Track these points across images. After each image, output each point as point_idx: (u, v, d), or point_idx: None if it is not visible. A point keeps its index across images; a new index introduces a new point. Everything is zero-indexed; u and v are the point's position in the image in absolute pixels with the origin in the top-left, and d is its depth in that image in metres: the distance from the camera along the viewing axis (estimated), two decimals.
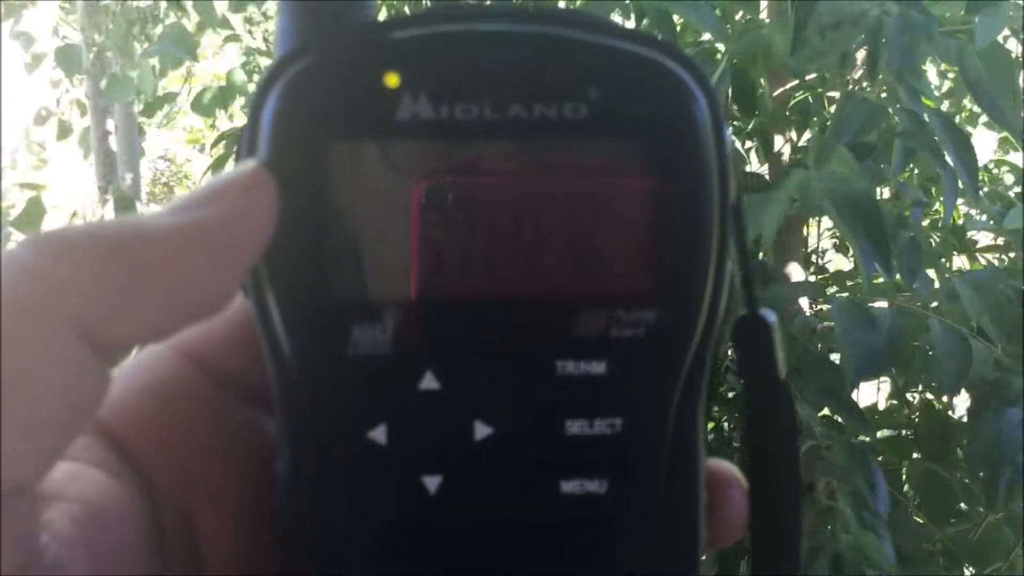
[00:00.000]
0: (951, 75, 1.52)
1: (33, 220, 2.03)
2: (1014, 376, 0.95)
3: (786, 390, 0.26)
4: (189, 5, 2.31)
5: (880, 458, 1.21)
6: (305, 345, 0.23)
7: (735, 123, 1.25)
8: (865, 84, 1.19)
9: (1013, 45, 1.18)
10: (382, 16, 0.27)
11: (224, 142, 1.84)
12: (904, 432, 1.32)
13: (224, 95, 2.45)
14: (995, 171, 1.64)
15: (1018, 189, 1.52)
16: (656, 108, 0.23)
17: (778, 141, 1.30)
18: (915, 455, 1.25)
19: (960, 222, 1.47)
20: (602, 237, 0.23)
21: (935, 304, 1.08)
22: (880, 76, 1.12)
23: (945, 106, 1.53)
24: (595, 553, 0.24)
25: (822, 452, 1.05)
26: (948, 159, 1.00)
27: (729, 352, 0.95)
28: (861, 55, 1.17)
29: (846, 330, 0.94)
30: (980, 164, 1.09)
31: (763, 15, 1.27)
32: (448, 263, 0.23)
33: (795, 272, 1.21)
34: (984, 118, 1.47)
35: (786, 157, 1.30)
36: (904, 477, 1.24)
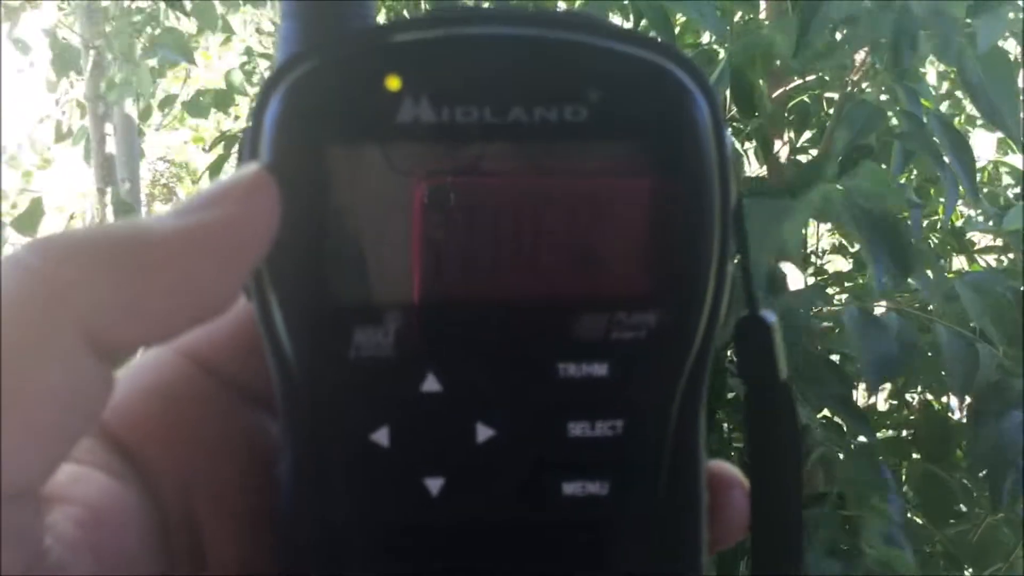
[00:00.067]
0: (950, 76, 1.52)
1: (32, 222, 2.03)
2: (1015, 378, 0.95)
3: (787, 391, 0.26)
4: (188, 7, 2.31)
5: (880, 459, 1.22)
6: (307, 347, 0.23)
7: (734, 124, 1.25)
8: (865, 85, 1.19)
9: (1012, 45, 1.18)
10: (381, 20, 0.27)
11: (222, 144, 1.84)
12: (903, 433, 1.33)
13: (222, 96, 2.45)
14: (994, 172, 1.65)
15: (1017, 190, 1.53)
16: (656, 110, 0.23)
17: (777, 142, 1.31)
18: (914, 456, 1.25)
19: (959, 223, 1.47)
20: (603, 239, 0.23)
21: (932, 306, 1.08)
22: (879, 77, 1.12)
23: (944, 107, 1.54)
24: (597, 554, 0.24)
25: (834, 460, 1.05)
26: (947, 161, 1.00)
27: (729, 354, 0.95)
28: (860, 56, 1.18)
29: (860, 340, 0.93)
30: (979, 165, 1.09)
31: (762, 15, 1.27)
32: (450, 265, 0.23)
33: (792, 273, 1.21)
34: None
35: (783, 158, 1.30)
36: (903, 478, 1.24)
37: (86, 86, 3.02)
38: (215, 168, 1.85)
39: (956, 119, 1.60)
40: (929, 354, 1.09)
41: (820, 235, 1.48)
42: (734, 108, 1.22)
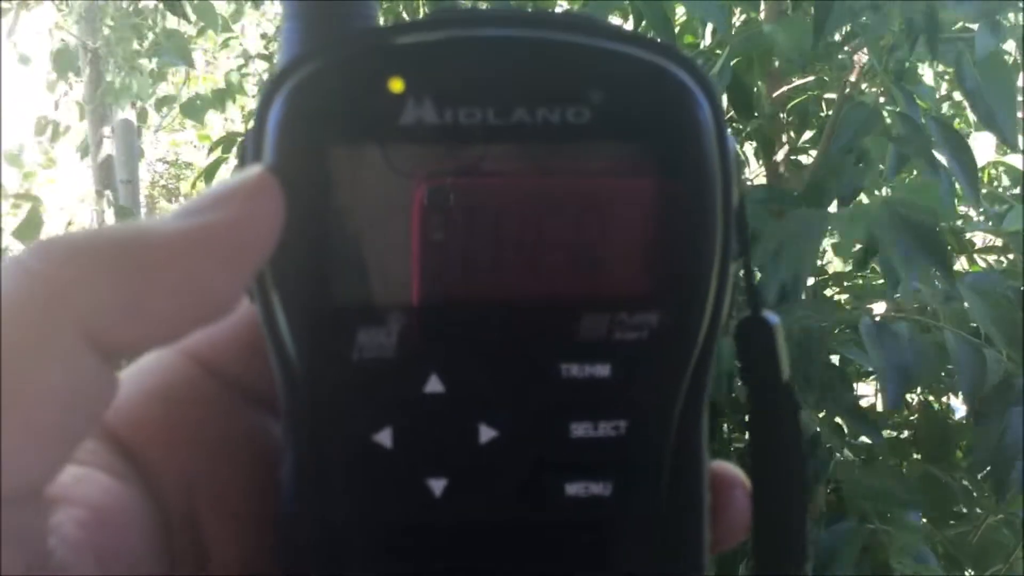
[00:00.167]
0: (948, 76, 1.52)
1: (32, 231, 2.04)
2: (1017, 378, 0.95)
3: (789, 391, 0.26)
4: (188, 8, 2.31)
5: (880, 459, 1.22)
6: (310, 348, 0.23)
7: (733, 125, 1.25)
8: (864, 86, 1.19)
9: (1011, 46, 1.18)
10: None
11: (220, 146, 1.84)
12: (903, 433, 1.33)
13: (219, 97, 2.45)
14: (993, 172, 1.65)
15: (1016, 190, 1.53)
16: (659, 112, 0.23)
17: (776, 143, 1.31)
18: (914, 456, 1.25)
19: (958, 223, 1.47)
20: (605, 240, 0.23)
21: (930, 308, 1.08)
22: (877, 79, 1.12)
23: (945, 107, 1.54)
24: (600, 555, 0.24)
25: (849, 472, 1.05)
26: (945, 163, 1.00)
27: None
28: (859, 57, 1.18)
29: (879, 352, 0.92)
30: (979, 166, 1.09)
31: (761, 16, 1.27)
32: (452, 266, 0.23)
33: None
34: None
35: (780, 157, 1.30)
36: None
37: (84, 88, 3.02)
38: (211, 171, 1.85)
39: (957, 120, 1.60)
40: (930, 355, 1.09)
41: None
42: (732, 110, 1.22)
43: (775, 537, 0.26)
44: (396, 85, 0.23)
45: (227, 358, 0.26)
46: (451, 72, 0.23)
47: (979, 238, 1.51)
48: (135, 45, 2.59)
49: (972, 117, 1.56)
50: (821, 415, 1.11)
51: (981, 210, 1.38)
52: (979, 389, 0.94)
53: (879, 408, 1.37)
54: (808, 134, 1.37)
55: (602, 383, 0.24)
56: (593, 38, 0.23)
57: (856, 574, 0.97)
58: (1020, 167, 1.46)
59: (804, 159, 1.37)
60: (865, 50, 1.13)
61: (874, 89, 1.24)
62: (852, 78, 1.19)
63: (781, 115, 1.30)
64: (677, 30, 1.30)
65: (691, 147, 0.23)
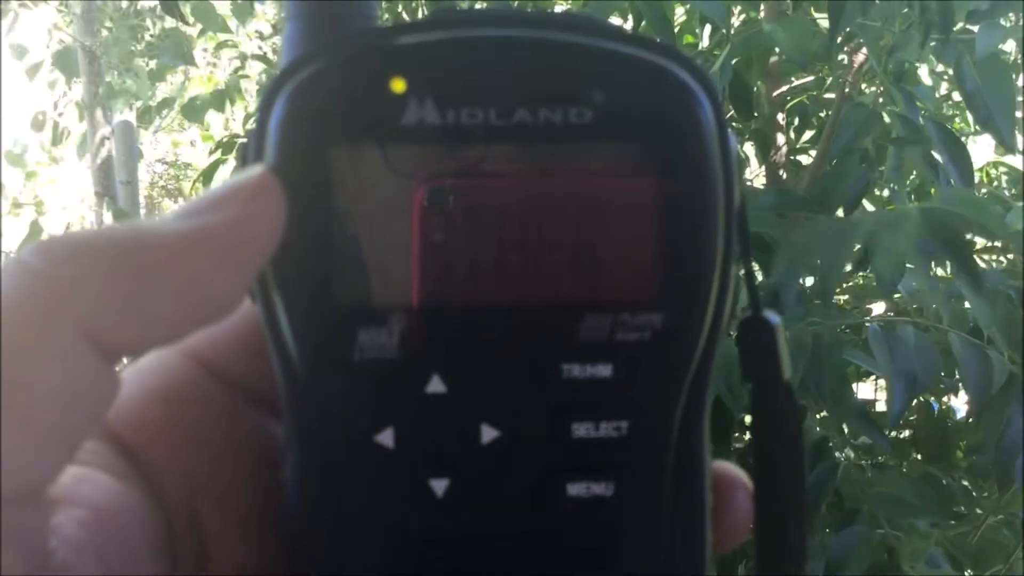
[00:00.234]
0: (947, 77, 1.52)
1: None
2: (1019, 377, 0.95)
3: (790, 391, 0.26)
4: (188, 8, 2.31)
5: (881, 458, 1.22)
6: (312, 349, 0.23)
7: (733, 125, 1.25)
8: (864, 86, 1.19)
9: (1010, 45, 1.18)
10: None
11: (219, 148, 1.84)
12: (903, 433, 1.32)
13: (219, 98, 2.45)
14: (993, 172, 1.64)
15: (1014, 190, 1.53)
16: (661, 112, 0.23)
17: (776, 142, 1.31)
18: (914, 456, 1.25)
19: None
20: (607, 241, 0.23)
21: (932, 308, 1.08)
22: (876, 79, 1.12)
23: (945, 108, 1.54)
24: (601, 555, 0.24)
25: (867, 479, 1.05)
26: (943, 164, 1.00)
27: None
28: (859, 58, 1.18)
29: (887, 359, 0.92)
30: (978, 165, 1.09)
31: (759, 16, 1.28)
32: (454, 267, 0.23)
33: None
34: None
35: (780, 158, 1.30)
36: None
37: (83, 89, 3.02)
38: (209, 172, 1.85)
39: (957, 121, 1.60)
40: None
41: None
42: (731, 110, 1.22)
43: (775, 536, 0.26)
44: (398, 85, 0.23)
45: (228, 358, 0.26)
46: (453, 72, 0.23)
47: (979, 238, 1.51)
48: (133, 46, 2.59)
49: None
50: (821, 415, 1.11)
51: None
52: (985, 392, 0.94)
53: (878, 408, 1.37)
54: (808, 134, 1.37)
55: (604, 383, 0.24)
56: (594, 38, 0.23)
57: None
58: (1019, 167, 1.46)
59: (804, 159, 1.37)
60: (864, 50, 1.13)
61: (873, 89, 1.24)
62: (851, 78, 1.19)
63: (780, 115, 1.30)
64: (676, 30, 1.30)
65: (693, 147, 0.23)
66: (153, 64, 2.58)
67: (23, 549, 0.19)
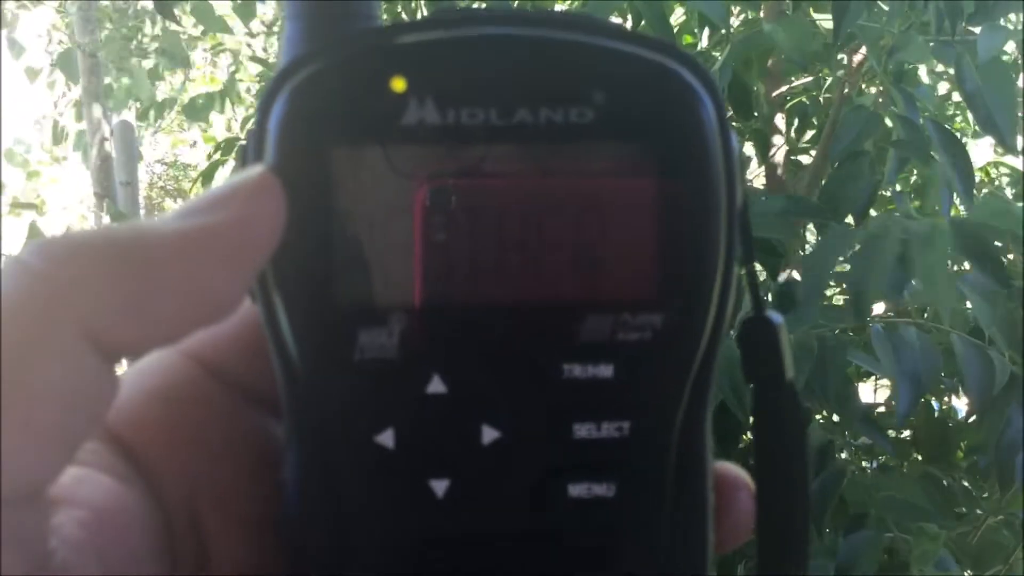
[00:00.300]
0: (947, 76, 1.52)
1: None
2: (1018, 376, 0.95)
3: (793, 392, 0.26)
4: (188, 8, 2.31)
5: (882, 458, 1.22)
6: (312, 349, 0.23)
7: (733, 125, 1.25)
8: (864, 86, 1.19)
9: (1011, 47, 1.18)
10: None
11: (218, 149, 1.84)
12: (903, 433, 1.32)
13: (220, 99, 2.45)
14: (993, 173, 1.65)
15: (1013, 190, 1.53)
16: (662, 111, 0.23)
17: (776, 141, 1.31)
18: (915, 456, 1.25)
19: None
20: (609, 241, 0.23)
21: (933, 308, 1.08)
22: (876, 80, 1.12)
23: (944, 108, 1.54)
24: (603, 556, 0.24)
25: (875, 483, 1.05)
26: (943, 165, 1.00)
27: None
28: (858, 58, 1.18)
29: (892, 360, 0.92)
30: (978, 165, 1.09)
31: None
32: (455, 267, 0.23)
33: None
34: None
35: (779, 158, 1.30)
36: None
37: (82, 90, 3.02)
38: (208, 173, 1.85)
39: (958, 121, 1.60)
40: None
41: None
42: (730, 110, 1.22)
43: (777, 537, 0.26)
44: (398, 85, 0.23)
45: (228, 358, 0.25)
46: (453, 72, 0.23)
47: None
48: (131, 46, 2.59)
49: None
50: (823, 417, 1.11)
51: None
52: (987, 392, 0.94)
53: (880, 410, 1.37)
54: (808, 134, 1.37)
55: (605, 384, 0.24)
56: (595, 37, 0.23)
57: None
58: (1019, 167, 1.46)
59: (804, 159, 1.37)
60: (863, 50, 1.13)
61: (872, 89, 1.24)
62: (850, 79, 1.19)
63: (780, 115, 1.30)
64: (675, 31, 1.30)
65: (695, 146, 0.23)
66: (151, 64, 2.58)
67: (23, 549, 0.19)
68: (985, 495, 1.17)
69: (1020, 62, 1.12)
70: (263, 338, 0.23)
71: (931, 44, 0.99)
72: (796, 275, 1.13)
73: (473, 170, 0.23)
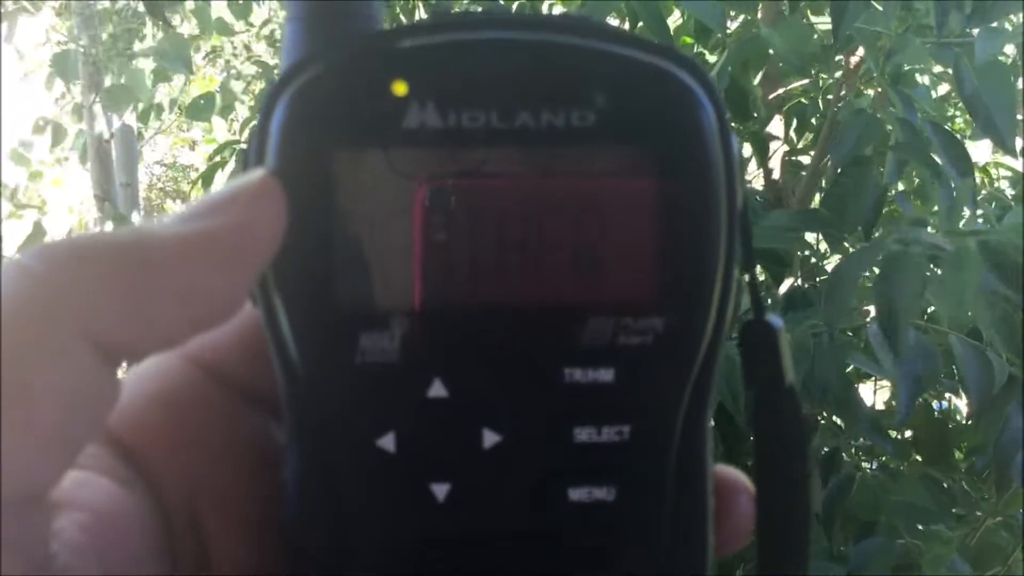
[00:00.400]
0: (946, 76, 1.52)
1: (36, 243, 2.04)
2: (1016, 377, 0.95)
3: (793, 395, 0.26)
4: (188, 8, 2.31)
5: (883, 459, 1.22)
6: (313, 352, 0.23)
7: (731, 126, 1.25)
8: (861, 87, 1.19)
9: (1010, 48, 1.18)
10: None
11: (217, 151, 1.84)
12: (902, 434, 1.32)
13: (223, 98, 2.45)
14: (994, 173, 1.64)
15: (1012, 191, 1.53)
16: (663, 115, 0.23)
17: (773, 144, 1.31)
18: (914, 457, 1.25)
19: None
20: (610, 244, 0.23)
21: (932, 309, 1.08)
22: (874, 81, 1.12)
23: (944, 109, 1.54)
24: (603, 560, 0.24)
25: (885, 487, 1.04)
26: (942, 166, 1.00)
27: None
28: (855, 59, 1.18)
29: (892, 360, 0.92)
30: (978, 165, 1.08)
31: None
32: (457, 271, 0.23)
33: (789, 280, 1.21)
34: None
35: (776, 161, 1.30)
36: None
37: (82, 91, 3.01)
38: (208, 176, 1.85)
39: (958, 120, 1.60)
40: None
41: (819, 237, 1.48)
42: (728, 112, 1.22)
43: (777, 541, 0.26)
44: (399, 88, 0.23)
45: (229, 361, 0.25)
46: (454, 75, 0.23)
47: None
48: (131, 47, 2.59)
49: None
50: (821, 418, 1.11)
51: (980, 213, 1.38)
52: (985, 393, 0.94)
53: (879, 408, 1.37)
54: (808, 136, 1.37)
55: (606, 388, 0.24)
56: (596, 41, 0.23)
57: None
58: (1019, 168, 1.46)
59: (804, 159, 1.37)
60: (860, 52, 1.13)
61: (870, 91, 1.24)
62: (847, 80, 1.19)
63: (778, 117, 1.30)
64: (673, 32, 1.30)
65: (695, 150, 0.23)
66: (151, 66, 2.58)
67: (24, 553, 0.19)
68: (985, 496, 1.17)
69: (1020, 64, 1.12)
70: (263, 340, 0.23)
71: (928, 46, 0.99)
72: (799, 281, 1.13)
73: (474, 173, 0.23)
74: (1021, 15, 1.10)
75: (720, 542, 0.25)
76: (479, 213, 0.23)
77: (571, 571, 0.24)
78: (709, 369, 0.24)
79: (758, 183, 1.36)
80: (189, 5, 2.33)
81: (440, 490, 0.23)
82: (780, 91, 1.29)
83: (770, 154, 1.30)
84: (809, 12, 1.25)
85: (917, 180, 1.32)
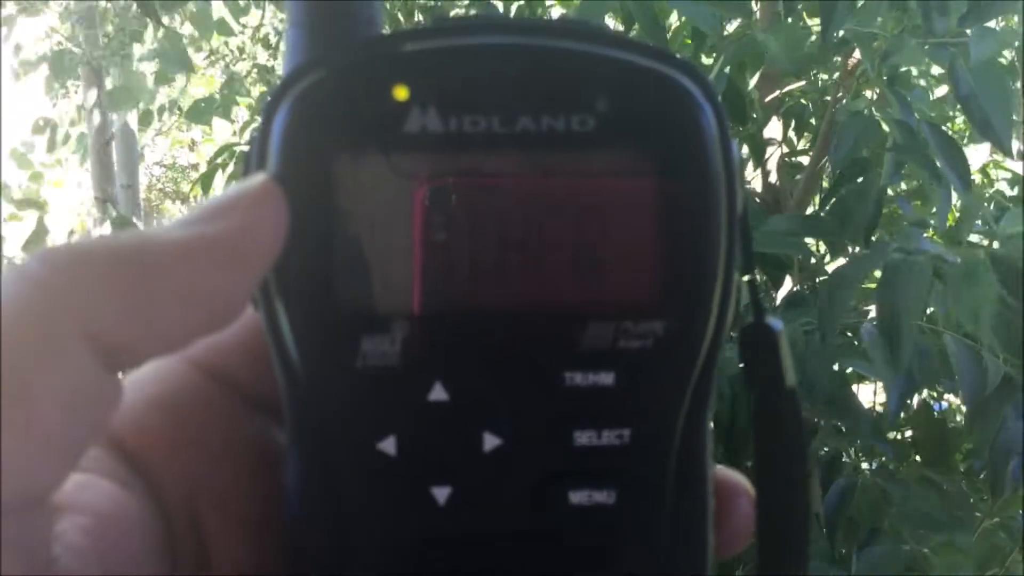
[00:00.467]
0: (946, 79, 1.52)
1: (38, 243, 2.04)
2: (1016, 379, 0.95)
3: (793, 398, 0.26)
4: (188, 7, 2.31)
5: (883, 459, 1.22)
6: (314, 356, 0.23)
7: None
8: (861, 88, 1.19)
9: (1009, 53, 1.18)
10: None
11: (222, 156, 1.84)
12: (902, 435, 1.33)
13: (222, 101, 2.45)
14: (993, 174, 1.65)
15: (1011, 191, 1.53)
16: (663, 118, 0.23)
17: (769, 147, 1.31)
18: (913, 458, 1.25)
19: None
20: (610, 248, 0.23)
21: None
22: (871, 83, 1.12)
23: (943, 109, 1.54)
24: (603, 563, 0.24)
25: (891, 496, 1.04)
26: (940, 167, 1.00)
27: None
28: (853, 61, 1.18)
29: (884, 361, 0.92)
30: (976, 166, 1.08)
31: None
32: (458, 274, 0.23)
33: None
34: None
35: (773, 163, 1.30)
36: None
37: (82, 92, 3.01)
38: (207, 178, 1.85)
39: (957, 121, 1.60)
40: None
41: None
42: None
43: (777, 538, 0.26)
44: (400, 93, 0.23)
45: (230, 364, 0.26)
46: (455, 80, 0.23)
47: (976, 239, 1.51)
48: (132, 49, 2.59)
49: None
50: (820, 421, 1.11)
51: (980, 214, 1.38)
52: (979, 393, 0.94)
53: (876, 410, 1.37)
54: (807, 136, 1.37)
55: (606, 391, 0.24)
56: (596, 45, 0.23)
57: None
58: (1019, 169, 1.46)
59: (804, 159, 1.37)
60: (857, 53, 1.13)
61: (867, 93, 1.24)
62: (844, 82, 1.19)
63: (776, 119, 1.31)
64: (669, 36, 1.30)
65: (695, 153, 0.23)
66: (154, 67, 2.58)
67: (26, 556, 0.19)
68: (983, 498, 1.17)
69: (1018, 66, 1.12)
70: (265, 344, 0.24)
71: (925, 47, 0.99)
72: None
73: (475, 177, 0.23)
74: (1017, 17, 1.10)
75: (720, 544, 0.25)
76: (480, 217, 0.23)
77: (571, 574, 0.24)
78: (709, 372, 0.24)
79: (756, 185, 1.36)
80: (190, 6, 2.33)
81: (441, 493, 0.23)
82: (778, 92, 1.29)
83: (767, 156, 1.30)
84: (805, 14, 1.25)
85: (915, 182, 1.32)
